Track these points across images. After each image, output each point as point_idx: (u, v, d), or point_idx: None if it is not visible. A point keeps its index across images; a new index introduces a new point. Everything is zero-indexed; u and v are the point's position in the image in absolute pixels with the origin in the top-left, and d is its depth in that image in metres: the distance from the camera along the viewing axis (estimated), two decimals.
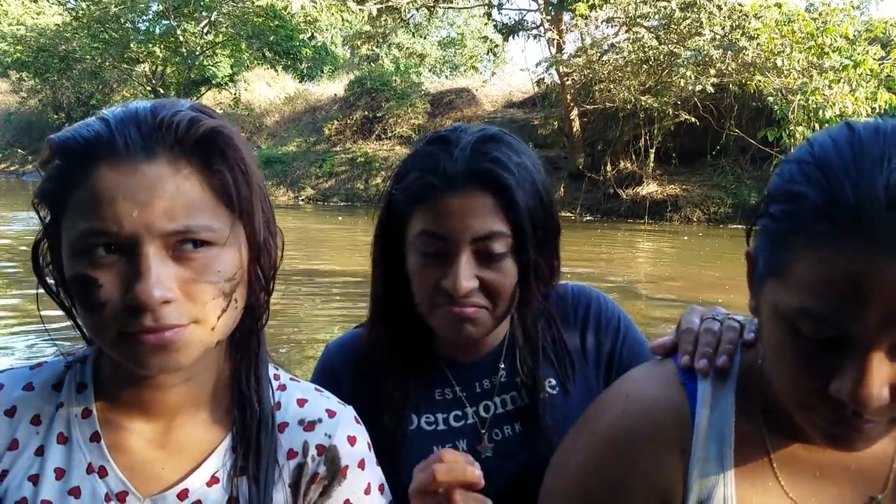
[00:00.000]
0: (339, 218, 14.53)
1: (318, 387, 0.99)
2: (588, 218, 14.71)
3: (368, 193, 17.84)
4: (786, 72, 11.82)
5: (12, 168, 30.05)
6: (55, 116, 29.04)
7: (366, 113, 20.39)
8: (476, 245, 1.05)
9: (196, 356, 0.79)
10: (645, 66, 14.22)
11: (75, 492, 0.82)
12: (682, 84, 12.90)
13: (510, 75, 21.65)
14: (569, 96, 15.44)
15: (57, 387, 0.88)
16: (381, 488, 0.94)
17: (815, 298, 0.68)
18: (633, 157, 15.29)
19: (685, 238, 12.24)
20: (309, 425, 0.91)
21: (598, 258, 9.61)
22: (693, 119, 13.52)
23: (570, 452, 0.95)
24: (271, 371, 0.94)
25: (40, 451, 0.84)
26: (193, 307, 0.76)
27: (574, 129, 15.58)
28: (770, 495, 0.85)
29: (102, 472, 0.83)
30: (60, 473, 0.83)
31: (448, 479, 0.94)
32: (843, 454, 0.85)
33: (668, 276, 8.75)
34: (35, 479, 0.83)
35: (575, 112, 15.56)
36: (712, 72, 12.66)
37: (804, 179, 0.69)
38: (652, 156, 14.92)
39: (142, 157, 0.74)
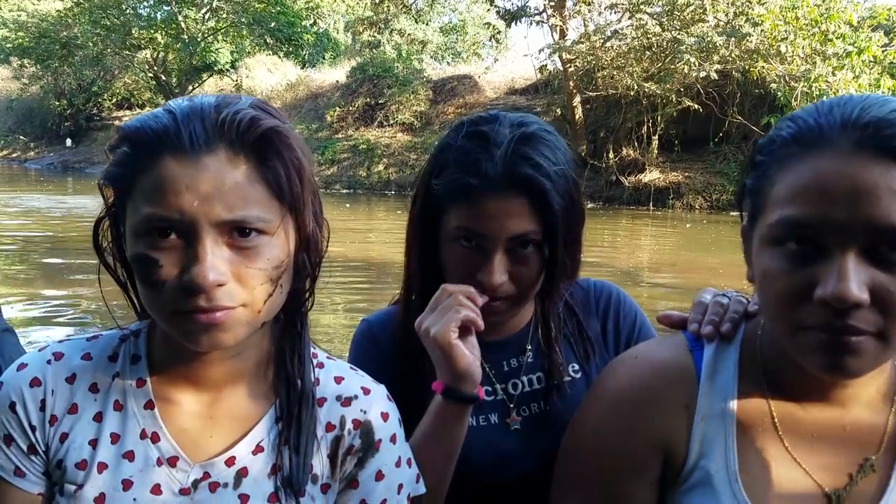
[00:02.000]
0: (347, 206, 14.54)
1: (352, 366, 1.05)
2: (590, 205, 14.69)
3: (370, 181, 17.86)
4: (789, 58, 11.77)
5: (14, 155, 30.07)
6: (57, 103, 29.00)
7: (368, 100, 20.35)
8: (510, 243, 1.11)
9: (243, 336, 0.85)
10: (648, 52, 14.18)
11: (129, 455, 0.89)
12: (685, 71, 12.87)
13: (512, 62, 21.56)
14: (571, 83, 15.41)
15: (113, 358, 0.94)
16: (409, 462, 1.01)
17: (791, 206, 0.79)
18: (636, 144, 15.27)
19: (688, 225, 12.27)
20: (346, 401, 0.97)
21: (600, 245, 9.64)
22: (696, 106, 13.48)
23: (583, 412, 1.02)
24: (311, 350, 0.99)
25: (98, 418, 0.90)
26: (243, 291, 0.82)
27: (576, 117, 15.55)
28: (770, 452, 0.90)
29: (155, 438, 0.90)
30: (116, 438, 0.89)
31: (456, 290, 1.09)
32: (839, 415, 0.90)
33: (670, 263, 8.78)
34: (94, 444, 0.89)
35: (577, 99, 15.54)
36: (715, 58, 12.61)
37: (779, 128, 0.86)
38: (655, 143, 14.90)
39: (204, 150, 0.79)
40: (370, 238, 9.85)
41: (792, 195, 0.79)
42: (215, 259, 0.79)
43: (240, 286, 0.81)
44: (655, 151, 14.94)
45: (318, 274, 0.95)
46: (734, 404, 0.92)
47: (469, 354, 1.07)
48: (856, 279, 0.74)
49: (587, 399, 1.03)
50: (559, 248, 1.12)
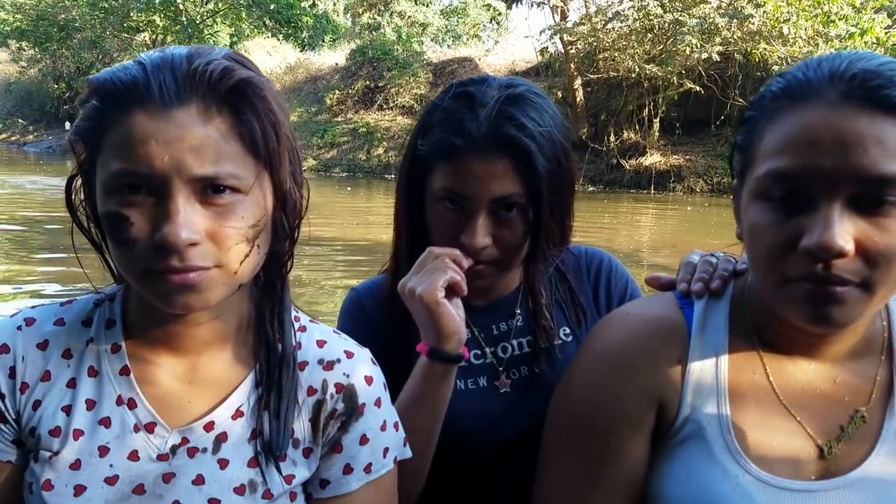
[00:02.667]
0: (349, 189, 14.52)
1: (336, 329, 1.03)
2: (591, 189, 14.67)
3: (370, 164, 17.81)
4: (791, 40, 11.70)
5: (13, 138, 30.00)
6: (55, 86, 28.90)
7: (367, 83, 20.26)
8: (493, 205, 1.10)
9: (218, 298, 0.83)
10: (650, 34, 14.08)
11: (105, 422, 0.87)
12: (686, 52, 12.78)
13: (513, 44, 21.45)
14: (572, 65, 15.32)
15: (87, 323, 0.92)
16: (395, 426, 0.99)
17: (778, 158, 0.80)
18: (637, 127, 15.21)
19: (688, 208, 12.24)
20: (328, 365, 0.95)
21: (600, 229, 9.63)
22: (697, 88, 13.41)
23: (574, 369, 1.02)
24: (292, 313, 0.97)
25: (72, 384, 0.88)
26: (217, 251, 0.79)
27: (577, 99, 15.48)
28: (762, 404, 0.90)
29: (132, 404, 0.88)
30: (91, 404, 0.88)
31: (442, 252, 1.08)
32: (827, 369, 0.91)
33: (671, 244, 8.77)
34: (68, 410, 0.87)
35: (578, 81, 15.45)
36: (717, 40, 12.53)
37: (769, 84, 0.86)
38: (656, 126, 14.83)
39: (174, 103, 0.76)
40: (370, 220, 9.83)
41: (779, 147, 0.80)
42: (188, 216, 0.76)
43: (214, 245, 0.79)
44: (657, 134, 14.88)
45: (298, 236, 0.93)
46: (725, 357, 0.93)
47: (455, 314, 1.06)
48: (841, 229, 0.75)
49: (578, 356, 1.03)
50: (544, 212, 1.11)
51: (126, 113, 0.76)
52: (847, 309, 0.79)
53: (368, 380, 0.96)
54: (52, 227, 8.70)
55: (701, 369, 0.92)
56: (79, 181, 0.85)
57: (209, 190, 0.78)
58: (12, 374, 0.87)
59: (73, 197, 0.86)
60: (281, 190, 0.86)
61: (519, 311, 1.27)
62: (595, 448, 0.94)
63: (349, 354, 0.97)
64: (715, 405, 0.90)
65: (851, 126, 0.75)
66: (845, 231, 0.76)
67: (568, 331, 1.27)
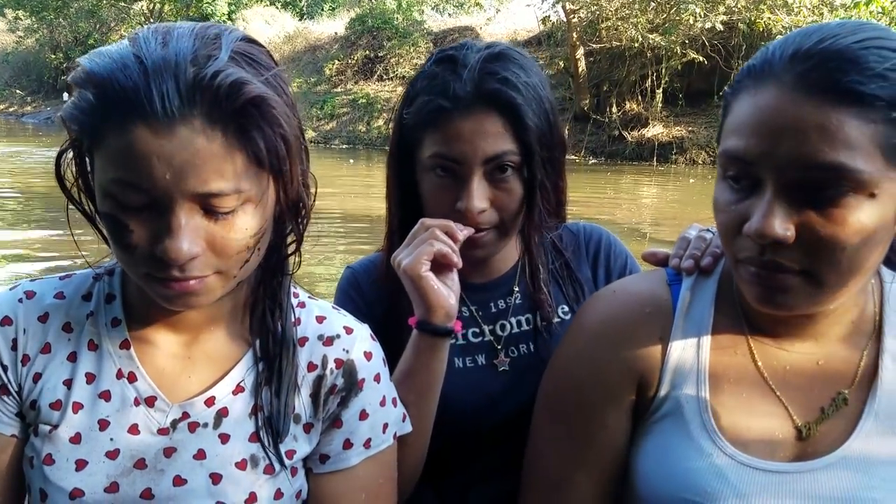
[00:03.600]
0: (351, 161, 14.42)
1: (335, 305, 1.03)
2: (592, 161, 14.58)
3: (370, 136, 17.68)
4: (796, 9, 11.54)
5: (11, 109, 29.75)
6: (53, 56, 28.59)
7: (367, 52, 20.03)
8: (487, 166, 1.08)
9: (218, 296, 0.83)
10: (653, 2, 13.88)
11: (105, 395, 0.87)
12: (690, 22, 12.62)
13: (515, 13, 21.20)
14: (574, 35, 15.11)
15: (86, 297, 0.92)
16: (394, 401, 1.00)
17: (731, 138, 0.80)
18: (639, 98, 15.06)
19: (691, 181, 12.18)
20: (328, 340, 0.95)
21: (602, 202, 9.59)
22: (701, 58, 13.25)
23: (562, 347, 1.02)
24: (291, 290, 0.97)
25: (72, 357, 0.88)
26: (217, 260, 0.78)
27: (580, 69, 15.30)
28: (743, 384, 0.90)
29: (132, 378, 0.88)
30: (91, 378, 0.88)
31: (433, 223, 1.06)
32: (812, 350, 0.91)
33: (672, 217, 8.74)
34: (68, 383, 0.87)
35: (581, 51, 15.26)
36: (721, 9, 12.37)
37: (749, 59, 0.84)
38: (658, 97, 14.69)
39: (177, 119, 0.71)
40: (371, 193, 9.79)
41: (733, 128, 0.80)
42: (188, 231, 0.74)
43: (214, 255, 0.78)
44: (659, 105, 14.74)
45: (304, 234, 0.91)
46: (708, 335, 0.92)
47: (441, 286, 1.05)
48: (780, 216, 0.75)
49: (567, 334, 1.03)
50: (537, 169, 1.09)
51: (126, 121, 0.72)
52: (791, 296, 0.79)
53: (368, 355, 0.96)
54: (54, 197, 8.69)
55: (682, 347, 0.92)
56: (69, 154, 0.82)
57: (211, 202, 0.75)
58: (14, 346, 0.87)
59: (62, 171, 0.83)
60: (288, 196, 0.84)
61: (517, 289, 1.26)
62: (578, 424, 0.95)
63: (348, 330, 0.97)
64: (694, 384, 0.90)
65: (797, 112, 0.74)
66: (785, 219, 0.75)
67: (566, 308, 1.26)
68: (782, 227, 0.75)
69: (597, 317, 0.99)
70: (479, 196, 1.08)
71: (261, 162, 0.77)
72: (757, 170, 0.77)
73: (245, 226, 0.78)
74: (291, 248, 0.93)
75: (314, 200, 0.91)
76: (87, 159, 0.81)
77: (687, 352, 0.92)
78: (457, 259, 1.06)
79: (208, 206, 0.75)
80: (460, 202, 1.09)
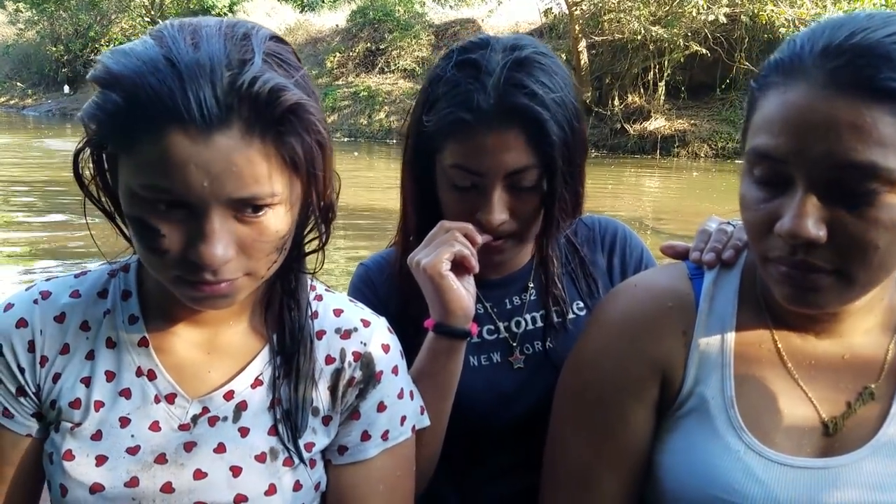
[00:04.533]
0: (356, 154, 14.39)
1: (352, 298, 1.04)
2: (594, 154, 14.53)
3: (371, 129, 17.65)
4: (799, 1, 11.49)
5: (12, 102, 29.68)
6: (53, 49, 28.49)
7: (368, 45, 19.96)
8: (508, 179, 1.07)
9: (244, 297, 0.83)
10: None
11: (126, 393, 0.88)
12: (692, 14, 12.57)
13: (516, 5, 21.06)
14: (577, 27, 15.06)
15: (102, 294, 0.92)
16: (412, 394, 1.00)
17: (760, 136, 0.78)
18: (642, 90, 15.02)
19: (695, 174, 12.16)
20: (345, 334, 0.95)
21: (604, 195, 9.58)
22: (703, 51, 13.22)
23: (583, 341, 1.01)
24: (308, 284, 0.97)
25: (91, 356, 0.89)
26: (248, 262, 0.79)
27: (582, 62, 15.25)
28: (769, 378, 0.89)
29: (151, 375, 0.89)
30: (111, 376, 0.88)
31: (453, 226, 1.06)
32: (837, 344, 0.90)
33: (674, 210, 8.74)
34: (87, 382, 0.88)
35: (583, 44, 15.21)
36: (724, 1, 12.32)
37: (776, 52, 0.83)
38: (661, 89, 14.65)
39: (215, 127, 0.70)
40: (373, 186, 9.79)
41: (763, 125, 0.79)
42: (223, 236, 0.74)
43: (245, 257, 0.78)
44: (661, 98, 14.70)
45: (330, 234, 0.91)
46: (732, 331, 0.91)
47: (460, 287, 1.04)
48: (812, 216, 0.74)
49: (587, 328, 1.03)
50: (557, 182, 1.08)
51: (160, 127, 0.70)
52: (822, 295, 0.78)
53: (385, 348, 0.96)
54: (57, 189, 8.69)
55: (707, 342, 0.91)
56: (87, 152, 0.81)
57: (245, 207, 0.75)
58: (31, 347, 0.87)
59: (79, 168, 0.82)
60: (325, 204, 0.85)
61: (532, 285, 1.26)
62: (600, 419, 0.95)
63: (366, 323, 0.97)
64: (719, 379, 0.89)
65: (829, 110, 0.72)
66: (818, 219, 0.74)
67: (581, 304, 1.25)
68: (815, 227, 0.74)
69: (618, 311, 0.98)
70: (500, 209, 1.07)
71: (296, 166, 0.77)
72: (788, 168, 0.76)
73: (276, 228, 0.78)
74: (310, 246, 0.94)
75: (338, 197, 0.91)
76: (105, 157, 0.80)
77: (711, 347, 0.91)
78: (475, 263, 1.05)
79: (242, 210, 0.75)
80: (480, 214, 1.08)
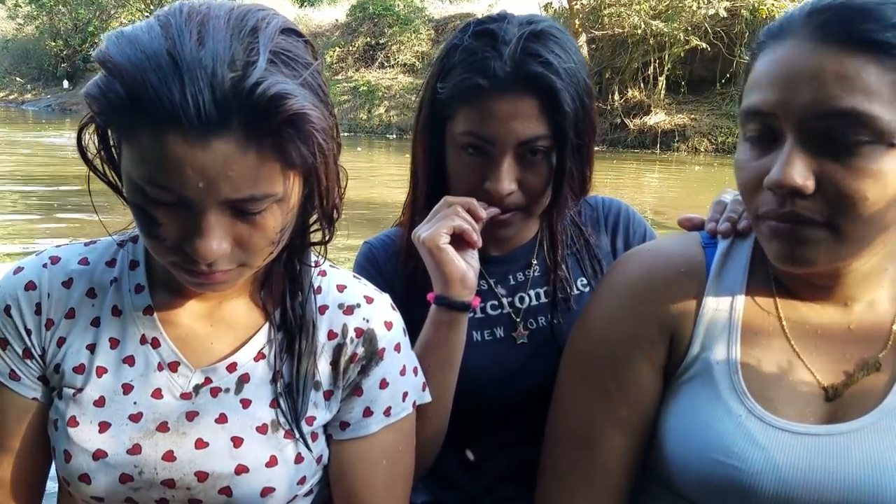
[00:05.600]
0: (359, 149, 14.39)
1: (356, 274, 1.03)
2: (595, 149, 14.51)
3: (371, 124, 17.67)
4: None
5: (11, 97, 29.69)
6: (52, 44, 28.50)
7: (368, 39, 19.97)
8: (519, 148, 1.07)
9: (241, 282, 0.85)
10: None
11: (129, 360, 0.88)
12: (693, 8, 12.58)
13: (516, 1, 21.05)
14: (577, 22, 15.06)
15: (110, 263, 0.93)
16: (415, 371, 1.00)
17: (751, 95, 0.81)
18: (642, 85, 15.03)
19: (698, 168, 12.16)
20: (348, 309, 0.95)
21: (604, 189, 9.56)
22: (704, 45, 13.22)
23: (591, 302, 1.02)
24: (312, 258, 0.97)
25: (96, 322, 0.89)
26: (243, 254, 0.79)
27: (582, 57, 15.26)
28: (773, 347, 0.90)
29: (155, 343, 0.89)
30: (115, 343, 0.89)
31: (455, 200, 1.06)
32: (843, 314, 0.90)
33: (674, 205, 8.74)
34: (92, 348, 0.88)
35: (583, 38, 15.20)
36: None
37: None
38: (661, 84, 14.65)
39: (213, 132, 0.68)
40: (372, 181, 9.79)
41: (753, 85, 0.81)
42: (217, 231, 0.74)
43: (241, 251, 0.78)
44: (662, 93, 14.71)
45: (335, 228, 0.91)
46: (741, 299, 0.92)
47: (459, 260, 1.04)
48: (799, 165, 0.76)
49: (598, 290, 1.03)
50: (567, 155, 1.08)
51: (158, 125, 0.69)
52: (811, 249, 0.79)
53: (388, 325, 0.96)
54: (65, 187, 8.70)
55: (715, 308, 0.92)
56: (91, 128, 0.80)
57: (243, 207, 0.75)
58: (38, 310, 0.88)
59: (83, 143, 0.81)
60: (328, 209, 0.86)
61: (535, 262, 1.25)
62: (609, 380, 0.95)
63: (369, 299, 0.97)
64: (725, 344, 0.90)
65: (814, 60, 0.75)
66: (805, 168, 0.76)
67: (585, 281, 1.26)
68: (801, 175, 0.75)
69: (630, 273, 0.98)
70: (508, 178, 1.07)
71: (296, 167, 0.76)
72: (776, 122, 0.78)
73: (272, 224, 0.78)
74: (315, 237, 0.94)
75: (344, 192, 0.90)
76: (110, 134, 0.80)
77: (720, 312, 0.92)
78: (477, 238, 1.05)
79: (239, 208, 0.75)
80: (489, 182, 1.08)
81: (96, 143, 0.81)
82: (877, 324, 0.90)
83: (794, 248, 0.80)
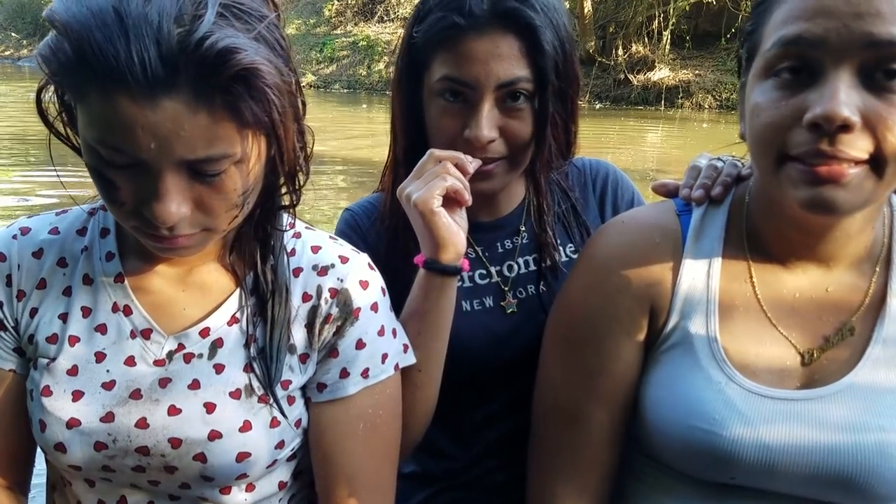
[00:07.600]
0: (364, 107, 14.20)
1: (332, 235, 1.01)
2: (597, 105, 14.39)
3: (371, 80, 17.44)
4: None
5: (7, 53, 29.35)
6: None
7: None
8: (499, 92, 1.03)
9: (207, 247, 0.83)
10: None
11: (101, 328, 0.88)
12: None
13: None
14: None
15: (81, 231, 0.92)
16: (394, 332, 0.98)
17: (787, 26, 0.76)
18: (646, 40, 14.77)
19: (705, 125, 12.03)
20: (322, 270, 0.94)
21: (606, 147, 9.50)
22: None
23: (570, 278, 1.01)
24: (286, 220, 0.95)
25: (68, 292, 0.89)
26: (205, 218, 0.77)
27: (585, 10, 14.96)
28: (750, 314, 0.90)
29: (127, 311, 0.89)
30: (87, 311, 0.88)
31: (444, 155, 1.01)
32: (821, 277, 0.89)
33: (677, 161, 8.68)
34: (64, 317, 0.88)
35: None
36: None
37: None
38: (666, 39, 14.41)
39: (161, 90, 0.66)
40: (370, 139, 9.71)
41: (789, 16, 0.76)
42: (175, 194, 0.72)
43: (202, 213, 0.76)
44: (667, 48, 14.47)
45: (302, 187, 0.89)
46: (718, 265, 0.91)
47: (452, 223, 1.01)
48: (847, 99, 0.72)
49: (576, 265, 1.02)
50: (550, 101, 1.05)
51: (107, 86, 0.66)
52: (848, 191, 0.75)
53: (363, 284, 0.94)
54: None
55: (692, 277, 0.91)
56: (50, 90, 0.78)
57: (201, 167, 0.72)
58: (9, 281, 0.88)
59: (42, 104, 0.78)
60: (288, 165, 0.82)
61: (524, 229, 1.23)
62: (590, 353, 0.95)
63: (343, 259, 0.95)
64: (704, 314, 0.90)
65: None
66: (852, 103, 0.72)
67: (573, 248, 1.23)
68: (850, 109, 0.72)
69: (606, 247, 0.97)
70: (489, 124, 1.03)
71: (251, 126, 0.74)
72: (816, 55, 0.74)
73: (234, 186, 0.76)
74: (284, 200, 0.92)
75: (311, 152, 0.88)
76: (66, 97, 0.77)
77: (697, 281, 0.91)
78: (468, 196, 1.02)
79: (196, 169, 0.72)
80: (468, 130, 1.04)
81: (56, 105, 0.79)
82: (854, 286, 0.89)
83: (830, 192, 0.75)
